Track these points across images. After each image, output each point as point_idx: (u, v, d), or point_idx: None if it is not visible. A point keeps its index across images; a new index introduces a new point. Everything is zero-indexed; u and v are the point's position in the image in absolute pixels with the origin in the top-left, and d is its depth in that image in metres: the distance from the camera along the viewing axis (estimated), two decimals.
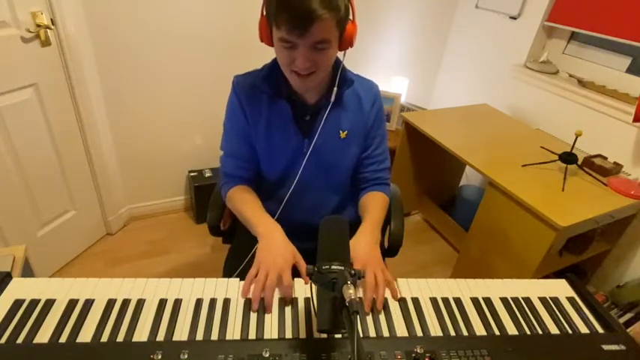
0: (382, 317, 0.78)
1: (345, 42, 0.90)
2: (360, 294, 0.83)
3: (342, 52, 0.93)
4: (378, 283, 0.82)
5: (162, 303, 0.76)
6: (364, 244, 0.92)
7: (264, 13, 0.88)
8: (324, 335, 0.71)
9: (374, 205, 1.06)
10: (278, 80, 0.99)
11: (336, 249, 0.68)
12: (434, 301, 0.84)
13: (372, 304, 0.80)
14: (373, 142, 1.10)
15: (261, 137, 1.03)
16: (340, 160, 1.08)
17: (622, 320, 1.61)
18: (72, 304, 0.74)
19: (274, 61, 1.01)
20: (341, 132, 1.04)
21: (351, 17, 0.88)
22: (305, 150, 1.03)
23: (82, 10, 1.62)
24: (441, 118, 2.12)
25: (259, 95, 1.01)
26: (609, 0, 1.77)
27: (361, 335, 0.74)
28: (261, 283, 0.80)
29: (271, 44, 0.91)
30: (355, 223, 1.14)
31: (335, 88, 0.98)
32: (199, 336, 0.70)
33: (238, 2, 1.89)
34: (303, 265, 0.88)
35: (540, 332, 0.79)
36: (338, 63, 0.99)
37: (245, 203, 1.02)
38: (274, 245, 0.89)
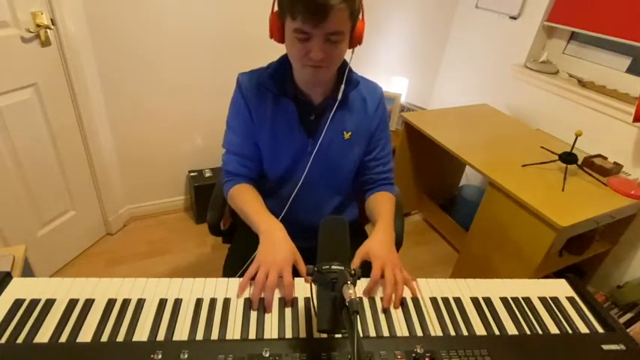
0: (382, 317, 0.78)
1: (355, 39, 0.91)
2: (360, 294, 0.83)
3: (351, 50, 0.93)
4: (397, 281, 0.83)
5: (162, 303, 0.76)
6: (381, 244, 0.92)
7: (275, 8, 0.88)
8: (324, 335, 0.71)
9: (384, 204, 1.06)
10: (284, 79, 0.99)
11: (336, 249, 0.68)
12: (434, 301, 0.83)
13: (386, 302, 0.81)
14: (378, 144, 1.10)
15: (266, 136, 1.03)
16: (343, 161, 1.08)
17: (622, 320, 1.61)
18: (72, 304, 0.74)
19: (280, 60, 1.01)
20: (345, 133, 1.04)
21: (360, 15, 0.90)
22: (309, 150, 1.03)
23: (82, 10, 1.62)
24: (441, 118, 2.12)
25: (265, 93, 1.01)
26: (609, 0, 1.77)
27: (361, 335, 0.74)
28: (260, 284, 0.79)
29: (281, 40, 0.90)
30: (355, 224, 1.14)
31: (342, 86, 0.98)
32: (199, 336, 0.70)
33: (238, 2, 1.89)
34: (302, 264, 0.88)
35: (540, 332, 0.79)
36: (344, 63, 0.99)
37: (247, 201, 1.02)
38: (275, 243, 0.89)
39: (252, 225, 0.98)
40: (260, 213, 0.98)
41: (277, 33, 0.89)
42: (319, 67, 0.88)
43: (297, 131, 1.02)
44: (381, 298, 0.83)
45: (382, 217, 1.01)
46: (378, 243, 0.91)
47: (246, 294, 0.80)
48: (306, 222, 1.07)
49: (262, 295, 0.79)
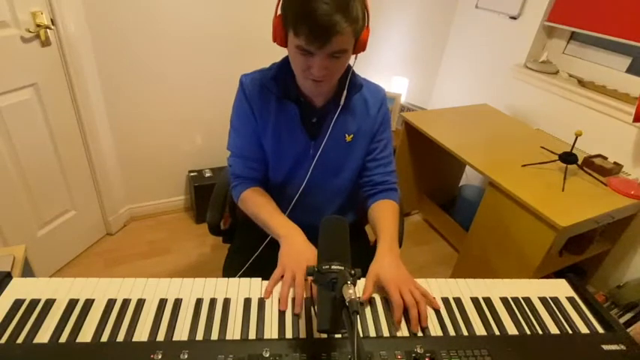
0: (382, 317, 0.78)
1: (359, 47, 0.90)
2: (360, 294, 0.83)
3: (354, 55, 0.93)
4: (417, 300, 0.79)
5: (162, 303, 0.76)
6: (389, 265, 0.87)
7: (279, 13, 0.87)
8: (324, 335, 0.71)
9: (386, 216, 1.03)
10: (286, 81, 0.99)
11: (336, 249, 0.68)
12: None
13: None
14: (379, 145, 1.10)
15: (269, 137, 1.03)
16: (345, 163, 1.08)
17: (622, 320, 1.61)
18: (72, 304, 0.74)
19: (283, 62, 1.00)
20: (347, 135, 1.04)
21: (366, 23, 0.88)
22: (312, 153, 1.03)
23: (82, 10, 1.62)
24: (441, 118, 2.12)
25: (268, 95, 1.00)
26: (609, 0, 1.77)
27: (361, 335, 0.74)
28: (288, 283, 0.80)
29: (283, 45, 0.90)
30: (356, 225, 1.13)
31: (345, 92, 0.98)
32: (199, 336, 0.70)
33: (238, 2, 1.89)
34: None
35: (540, 332, 0.79)
36: (348, 68, 0.98)
37: (260, 206, 1.02)
38: (297, 247, 0.90)
39: (269, 230, 0.98)
40: (276, 218, 0.99)
41: (280, 38, 0.89)
42: (320, 81, 0.88)
43: (299, 133, 1.02)
44: (383, 298, 0.83)
45: (385, 233, 0.97)
46: (386, 265, 0.87)
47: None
48: (307, 223, 1.06)
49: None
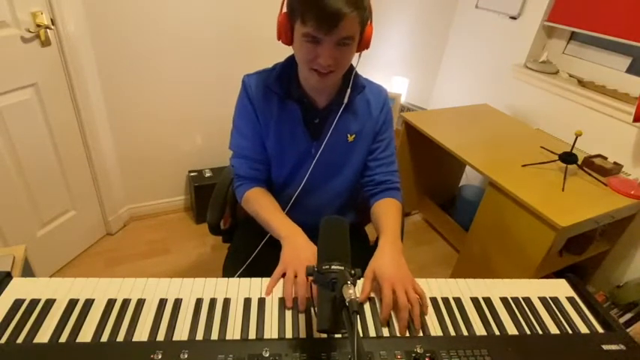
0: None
1: (363, 43, 0.90)
2: (359, 293, 0.83)
3: (358, 54, 0.93)
4: (412, 302, 0.77)
5: (162, 303, 0.76)
6: (389, 262, 0.86)
7: (285, 9, 0.88)
8: (324, 335, 0.71)
9: (388, 214, 1.02)
10: (289, 82, 0.99)
11: (336, 249, 0.68)
12: (434, 301, 0.83)
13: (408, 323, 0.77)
14: (381, 144, 1.10)
15: (272, 137, 1.03)
16: (346, 163, 1.08)
17: (622, 320, 1.61)
18: (72, 304, 0.74)
19: (286, 62, 1.00)
20: (349, 136, 1.04)
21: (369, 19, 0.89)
22: (313, 152, 1.03)
23: (82, 10, 1.62)
24: (441, 118, 2.12)
25: (271, 95, 1.00)
26: (609, 0, 1.77)
27: (361, 335, 0.74)
28: (291, 280, 0.80)
29: (289, 42, 0.90)
30: (355, 227, 1.13)
31: (349, 90, 0.98)
32: (199, 336, 0.70)
33: (239, 2, 1.89)
34: None
35: (540, 332, 0.79)
36: (350, 68, 0.98)
37: (263, 206, 1.03)
38: (298, 247, 0.90)
39: (271, 230, 0.98)
40: (279, 218, 0.99)
41: (285, 35, 0.89)
42: (326, 73, 0.88)
43: (301, 134, 1.02)
44: (380, 299, 0.83)
45: (387, 229, 0.97)
46: (385, 262, 0.86)
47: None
48: (307, 223, 1.06)
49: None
